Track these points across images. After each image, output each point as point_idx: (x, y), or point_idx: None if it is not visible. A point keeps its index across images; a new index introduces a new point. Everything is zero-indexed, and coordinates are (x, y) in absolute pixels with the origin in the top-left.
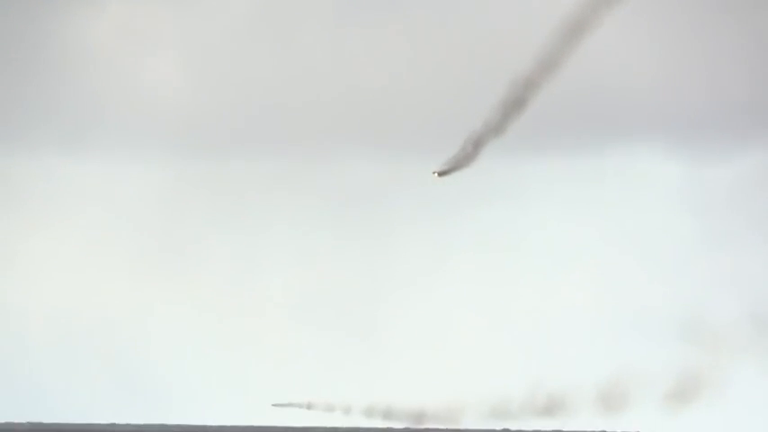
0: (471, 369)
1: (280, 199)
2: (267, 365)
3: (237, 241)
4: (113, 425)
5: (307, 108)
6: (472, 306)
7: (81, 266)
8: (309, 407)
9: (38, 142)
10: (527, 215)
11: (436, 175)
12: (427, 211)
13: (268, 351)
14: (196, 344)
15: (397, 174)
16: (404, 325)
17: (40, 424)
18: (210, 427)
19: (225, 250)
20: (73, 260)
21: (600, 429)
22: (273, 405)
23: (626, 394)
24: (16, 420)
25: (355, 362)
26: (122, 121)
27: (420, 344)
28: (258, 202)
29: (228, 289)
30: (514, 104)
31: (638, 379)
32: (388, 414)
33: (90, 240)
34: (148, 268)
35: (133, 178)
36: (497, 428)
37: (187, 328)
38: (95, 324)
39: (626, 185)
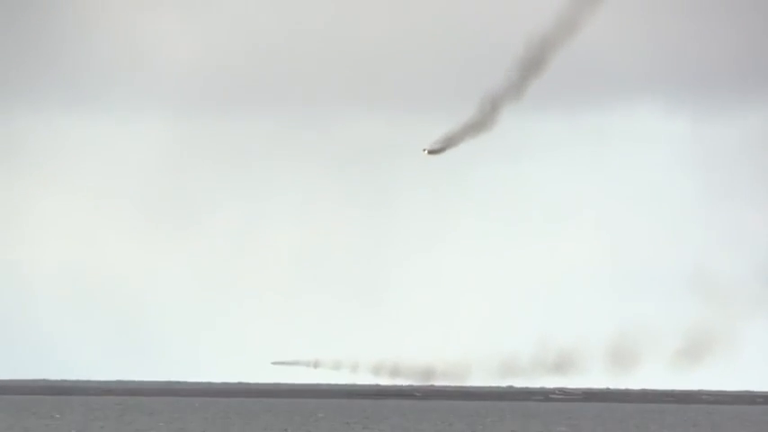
0: (479, 326)
1: (285, 156)
2: (271, 323)
3: (243, 197)
4: (120, 382)
5: (312, 65)
6: (479, 263)
7: (88, 222)
8: (315, 365)
9: (45, 100)
10: (532, 173)
11: (426, 152)
12: (432, 169)
13: (272, 308)
14: (201, 300)
15: (402, 131)
16: (410, 282)
17: (48, 381)
18: (215, 384)
19: (230, 207)
20: (80, 216)
21: (610, 386)
22: (273, 363)
23: (635, 351)
24: (25, 377)
25: (361, 320)
26: (129, 79)
27: (427, 301)
28: (263, 158)
29: (233, 245)
30: (531, 65)
31: (648, 335)
32: (395, 371)
33: (97, 196)
34: (154, 224)
35: (139, 135)
36: (503, 385)
37: (192, 285)
38: (102, 280)
39: (629, 143)
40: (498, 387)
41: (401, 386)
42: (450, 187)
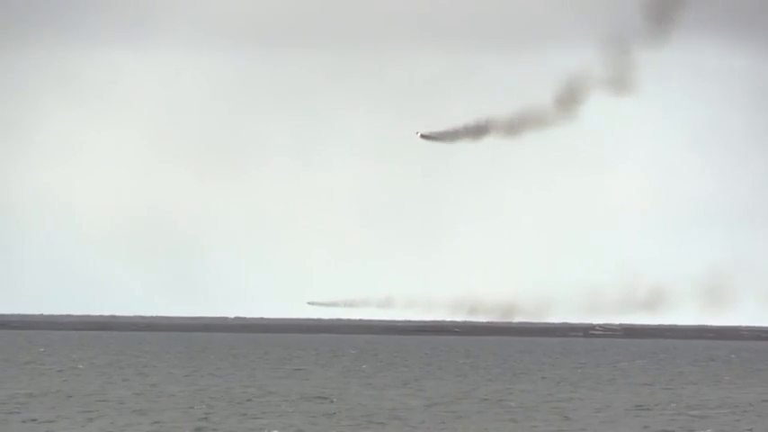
0: (562, 261)
1: (343, 91)
2: (333, 261)
3: (299, 135)
4: (169, 318)
5: None
6: (562, 195)
7: (143, 160)
8: (388, 303)
9: (103, 35)
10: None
11: (419, 135)
12: (495, 98)
13: (335, 246)
14: (255, 238)
15: (460, 65)
16: (477, 219)
17: (92, 316)
18: (270, 319)
19: (287, 144)
20: (135, 153)
21: (700, 323)
22: (309, 303)
23: (728, 288)
24: (73, 313)
25: (436, 256)
26: (185, 14)
27: (505, 236)
28: (321, 94)
29: (290, 183)
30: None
31: (741, 272)
32: (474, 309)
33: (152, 133)
34: (209, 161)
35: (195, 72)
36: (583, 323)
37: (247, 223)
38: (155, 217)
39: (690, 77)
40: (579, 324)
41: (442, 321)
42: None
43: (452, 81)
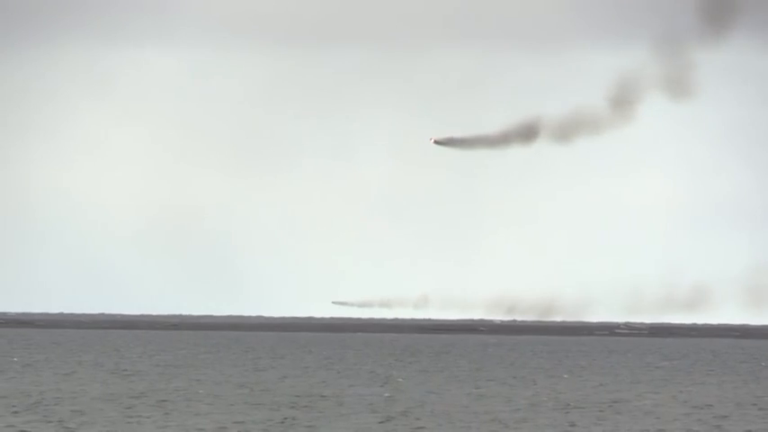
0: (601, 260)
1: (375, 90)
2: (363, 260)
3: (331, 133)
4: (209, 316)
5: None
6: (603, 193)
7: (174, 159)
8: (425, 302)
9: (134, 36)
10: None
11: (433, 141)
12: (523, 94)
13: (366, 246)
14: (287, 237)
15: (493, 64)
16: (512, 217)
17: (119, 315)
18: (299, 318)
19: (318, 143)
20: (164, 151)
21: (742, 323)
22: (333, 303)
23: None
24: (97, 311)
25: (472, 256)
26: (214, 13)
27: (543, 235)
28: (353, 93)
29: (321, 182)
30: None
31: None
32: (511, 309)
33: (182, 131)
34: (240, 161)
35: (227, 71)
36: (619, 321)
37: (278, 222)
38: (185, 216)
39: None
40: (614, 323)
41: (472, 320)
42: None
43: (485, 81)
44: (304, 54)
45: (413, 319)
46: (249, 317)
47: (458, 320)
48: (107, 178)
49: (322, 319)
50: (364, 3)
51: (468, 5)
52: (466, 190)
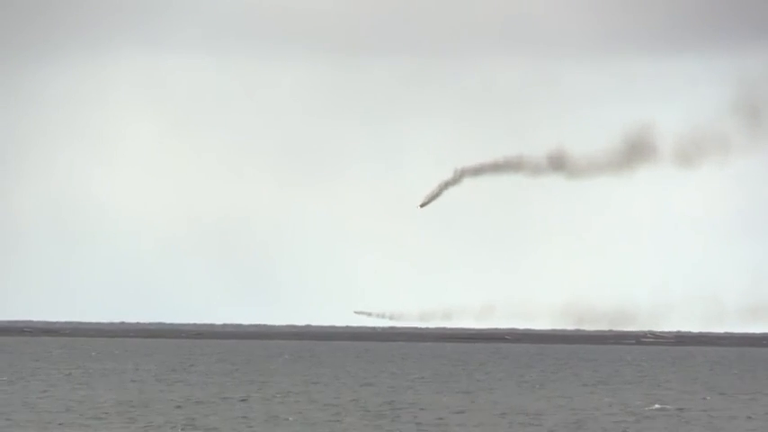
0: (676, 269)
1: (422, 98)
2: (416, 270)
3: (379, 142)
4: (239, 325)
5: (451, 4)
6: (679, 200)
7: (227, 167)
8: (485, 312)
9: (185, 43)
10: (669, 113)
11: (420, 206)
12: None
13: (417, 256)
14: (336, 245)
15: (540, 72)
16: (586, 220)
17: (156, 324)
18: (353, 328)
19: (367, 151)
20: (215, 160)
21: None
22: (355, 312)
23: None
24: (135, 321)
25: (535, 265)
26: (269, 23)
27: (614, 242)
28: (402, 101)
29: (370, 190)
30: None
31: None
32: (581, 319)
33: (233, 140)
34: (289, 169)
35: (276, 79)
36: (693, 331)
37: (327, 230)
38: (235, 224)
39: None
40: (687, 333)
41: (495, 329)
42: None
43: (533, 89)
44: (353, 62)
45: (475, 329)
46: (298, 326)
47: (525, 329)
48: (159, 186)
49: (374, 329)
50: (413, 11)
51: (519, 13)
52: (528, 195)
